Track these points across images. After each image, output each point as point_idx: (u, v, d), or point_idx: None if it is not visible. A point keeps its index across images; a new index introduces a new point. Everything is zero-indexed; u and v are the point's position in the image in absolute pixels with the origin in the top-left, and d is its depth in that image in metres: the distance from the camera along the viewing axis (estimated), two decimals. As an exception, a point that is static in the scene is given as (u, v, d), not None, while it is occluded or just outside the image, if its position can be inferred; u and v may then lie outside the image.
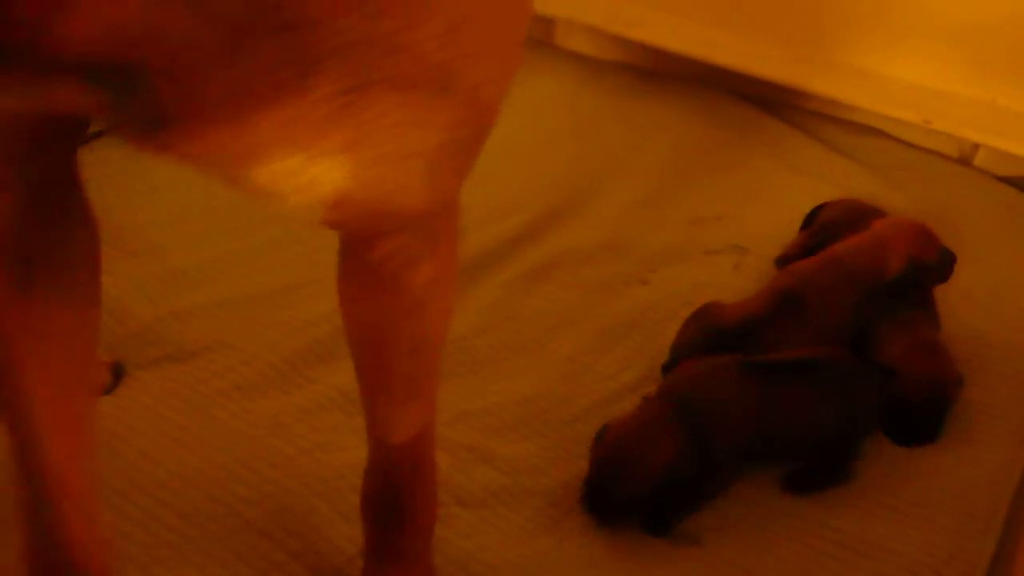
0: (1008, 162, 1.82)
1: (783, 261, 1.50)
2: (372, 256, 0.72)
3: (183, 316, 1.35)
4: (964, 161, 1.88)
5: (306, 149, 0.53)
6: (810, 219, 1.59)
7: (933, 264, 1.39)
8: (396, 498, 0.92)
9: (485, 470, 1.19)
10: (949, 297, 1.42)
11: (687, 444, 1.11)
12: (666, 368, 1.33)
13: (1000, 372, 1.39)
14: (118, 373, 1.24)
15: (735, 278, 1.54)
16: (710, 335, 1.31)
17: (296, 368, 1.30)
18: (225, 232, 1.52)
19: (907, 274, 1.36)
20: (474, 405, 1.28)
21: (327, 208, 0.58)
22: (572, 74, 2.12)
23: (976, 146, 1.85)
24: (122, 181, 1.53)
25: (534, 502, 1.16)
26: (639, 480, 1.11)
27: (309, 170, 0.54)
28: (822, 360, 1.23)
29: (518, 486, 1.18)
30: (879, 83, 1.92)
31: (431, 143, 0.58)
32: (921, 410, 1.27)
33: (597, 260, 1.57)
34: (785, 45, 2.01)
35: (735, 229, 1.66)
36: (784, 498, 1.20)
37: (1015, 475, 1.26)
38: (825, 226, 1.52)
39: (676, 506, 1.14)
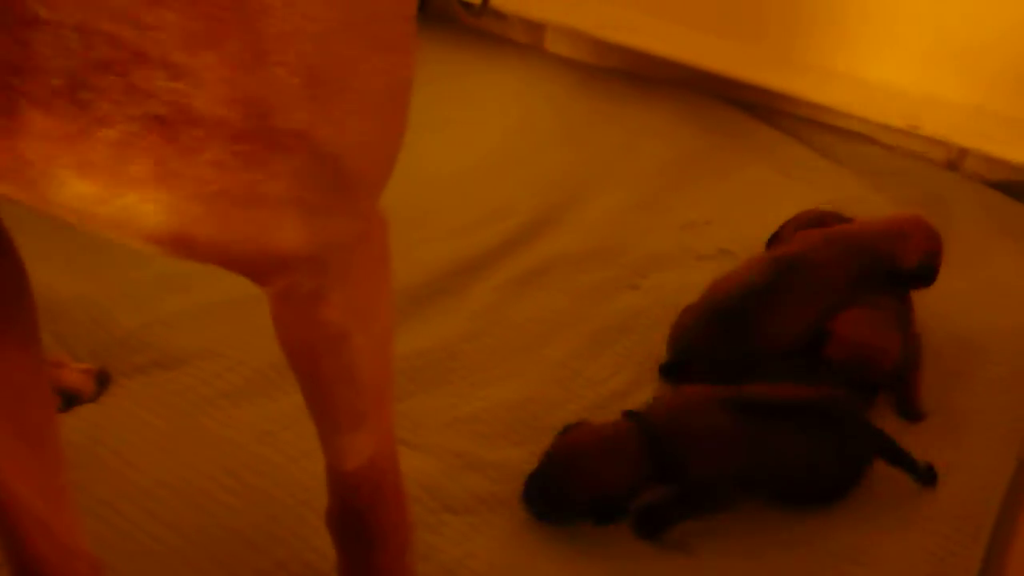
0: (995, 167, 1.82)
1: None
2: (271, 291, 0.68)
3: (169, 322, 1.34)
4: (952, 166, 1.88)
5: (104, 175, 0.50)
6: (773, 239, 1.56)
7: (936, 266, 1.39)
8: (361, 522, 0.90)
9: (475, 476, 1.18)
10: (937, 301, 1.42)
11: (643, 469, 1.11)
12: (664, 370, 1.33)
13: (988, 377, 1.39)
14: (103, 380, 1.23)
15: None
16: (710, 319, 1.32)
17: (283, 374, 1.28)
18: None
19: (922, 268, 1.37)
20: (463, 411, 1.27)
21: (161, 244, 0.55)
22: (562, 79, 2.12)
23: (964, 151, 1.86)
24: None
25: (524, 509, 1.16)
26: (579, 488, 1.11)
27: (116, 200, 0.51)
28: (813, 403, 1.20)
29: (508, 492, 1.17)
30: (867, 89, 1.92)
31: (277, 190, 0.55)
32: (841, 372, 1.27)
33: (587, 265, 1.57)
34: (774, 50, 2.01)
35: (725, 234, 1.66)
36: (774, 505, 1.20)
37: (1004, 480, 1.26)
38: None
39: (667, 516, 1.14)
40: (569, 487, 1.11)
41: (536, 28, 2.26)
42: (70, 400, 1.20)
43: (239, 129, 0.51)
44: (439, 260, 1.53)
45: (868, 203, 1.76)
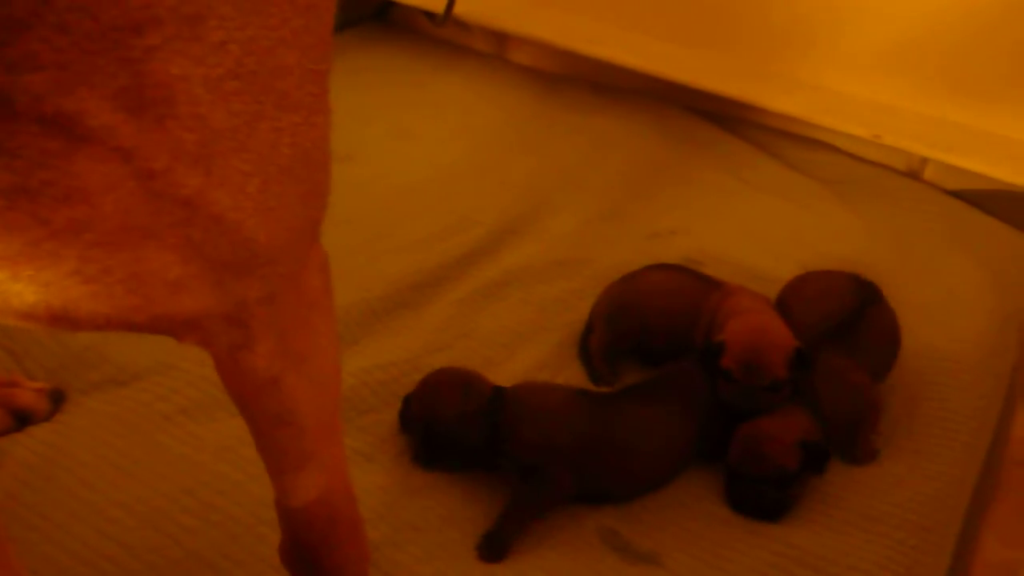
0: (956, 176, 1.84)
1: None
2: (188, 342, 0.63)
3: (126, 338, 1.31)
4: (913, 175, 1.90)
5: None
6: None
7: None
8: (314, 558, 0.87)
9: (439, 496, 1.16)
10: (899, 311, 1.42)
11: (477, 418, 1.16)
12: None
13: (952, 384, 1.39)
14: (57, 399, 1.20)
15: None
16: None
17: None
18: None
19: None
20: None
21: (37, 322, 0.51)
22: (526, 89, 2.12)
23: (925, 160, 1.88)
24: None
25: (490, 526, 1.14)
26: (417, 409, 1.21)
27: None
28: (655, 379, 1.25)
29: (474, 511, 1.15)
30: (830, 98, 1.94)
31: (168, 262, 0.50)
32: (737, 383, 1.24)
33: (552, 276, 1.56)
34: (738, 61, 2.02)
35: (690, 244, 1.66)
36: (744, 521, 1.19)
37: (968, 487, 1.26)
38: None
39: (505, 533, 1.12)
40: (432, 405, 1.19)
41: (499, 38, 2.26)
42: (23, 420, 1.17)
43: (122, 200, 0.45)
44: (402, 272, 1.51)
45: (831, 213, 1.77)
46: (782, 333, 1.26)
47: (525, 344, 1.42)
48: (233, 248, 0.53)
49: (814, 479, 1.21)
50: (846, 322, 1.31)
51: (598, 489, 1.17)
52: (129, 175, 0.45)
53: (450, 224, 1.65)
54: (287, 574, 0.97)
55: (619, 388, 1.26)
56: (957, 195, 1.84)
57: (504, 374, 1.35)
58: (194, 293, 0.54)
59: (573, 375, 1.37)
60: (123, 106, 0.43)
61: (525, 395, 1.19)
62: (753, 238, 1.69)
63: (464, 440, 1.17)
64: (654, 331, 1.37)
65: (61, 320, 0.51)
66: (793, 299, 1.38)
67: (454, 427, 1.17)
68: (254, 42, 0.48)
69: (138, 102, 0.44)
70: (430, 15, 2.24)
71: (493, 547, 1.10)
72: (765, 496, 1.18)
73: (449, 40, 2.31)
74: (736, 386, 1.22)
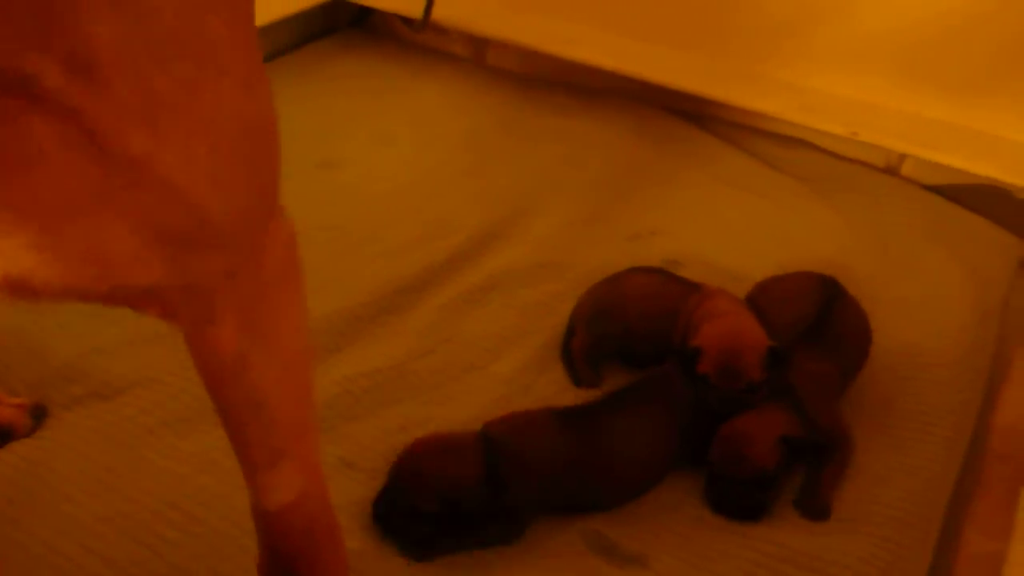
0: (934, 171, 1.85)
1: None
2: (151, 315, 0.64)
3: (108, 351, 1.31)
4: (891, 171, 1.91)
5: None
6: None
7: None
8: (293, 568, 0.86)
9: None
10: (877, 306, 1.44)
11: (477, 478, 1.09)
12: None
13: (931, 380, 1.40)
14: (38, 415, 1.19)
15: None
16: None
17: (228, 401, 1.26)
18: (151, 262, 1.48)
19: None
20: (412, 433, 1.25)
21: None
22: (506, 93, 2.12)
23: (902, 156, 1.89)
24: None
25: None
26: (424, 489, 1.09)
27: None
28: (633, 387, 1.24)
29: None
30: (807, 96, 1.95)
31: (123, 230, 0.51)
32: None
33: (534, 279, 1.56)
34: (713, 59, 2.03)
35: (670, 244, 1.66)
36: (728, 523, 1.19)
37: (949, 482, 1.27)
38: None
39: (452, 535, 1.11)
40: (415, 490, 1.09)
41: (478, 42, 2.26)
42: (5, 436, 1.16)
43: (74, 162, 0.47)
44: (384, 278, 1.51)
45: (810, 210, 1.78)
46: (755, 334, 1.27)
47: (508, 348, 1.43)
48: (185, 216, 0.54)
49: (796, 477, 1.22)
50: (815, 323, 1.31)
51: (585, 501, 1.18)
52: (81, 135, 0.47)
53: (432, 229, 1.65)
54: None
55: (599, 398, 1.25)
56: (935, 190, 1.86)
57: (487, 378, 1.36)
58: (149, 264, 0.54)
59: (556, 378, 1.38)
60: (71, 68, 0.45)
61: (510, 438, 1.14)
62: (733, 237, 1.69)
63: (473, 505, 1.10)
64: (636, 334, 1.38)
65: (20, 290, 0.52)
66: (762, 302, 1.39)
67: (468, 495, 1.09)
68: (184, 10, 0.50)
69: (85, 64, 0.45)
70: (408, 21, 2.24)
71: (425, 548, 1.09)
72: (745, 497, 1.18)
73: (428, 45, 2.31)
74: (714, 391, 1.23)
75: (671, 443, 1.22)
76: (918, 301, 1.57)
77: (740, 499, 1.18)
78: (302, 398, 0.78)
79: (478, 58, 2.29)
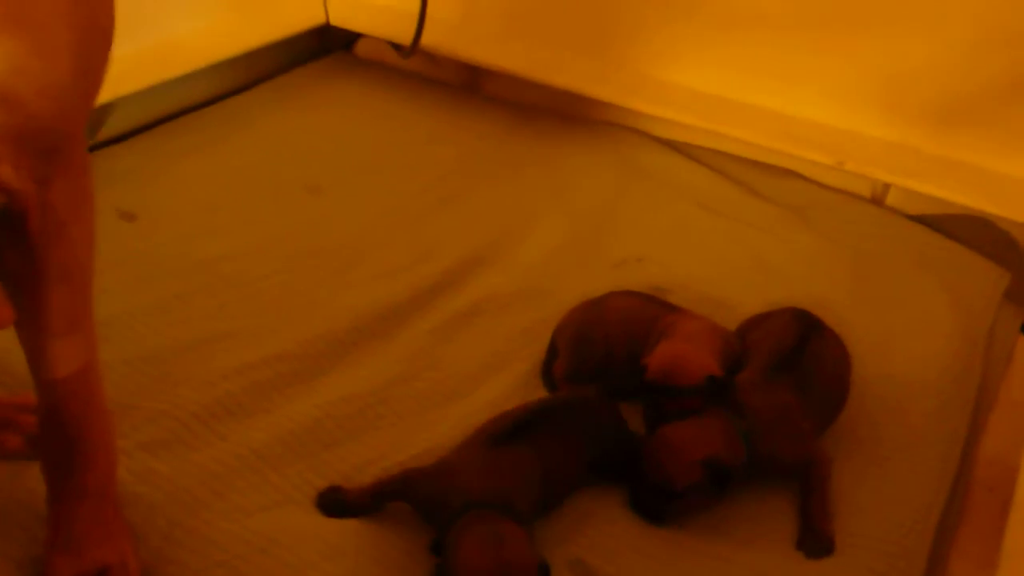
0: (919, 201, 1.86)
1: None
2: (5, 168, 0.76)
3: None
4: (876, 201, 1.92)
5: None
6: None
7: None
8: (71, 436, 0.95)
9: (403, 530, 1.14)
10: (863, 336, 1.44)
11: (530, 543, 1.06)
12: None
13: (917, 409, 1.40)
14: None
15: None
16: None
17: (207, 424, 1.25)
18: (131, 285, 1.47)
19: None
20: (394, 459, 1.24)
21: None
22: (493, 120, 2.13)
23: (887, 186, 1.90)
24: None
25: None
26: None
27: None
28: (540, 410, 1.21)
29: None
30: (793, 125, 1.95)
31: None
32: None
33: (519, 306, 1.56)
34: (700, 89, 2.04)
35: (656, 271, 1.66)
36: (711, 539, 1.19)
37: (936, 512, 1.26)
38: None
39: None
40: None
41: (468, 70, 2.26)
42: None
43: None
44: (368, 304, 1.50)
45: (794, 239, 1.78)
46: (699, 361, 1.27)
47: (492, 374, 1.41)
48: (12, 114, 0.69)
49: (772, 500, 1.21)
50: (787, 355, 1.30)
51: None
52: None
53: (417, 255, 1.65)
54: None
55: (522, 418, 1.20)
56: (920, 220, 1.86)
57: (471, 405, 1.35)
58: None
59: (540, 405, 1.36)
60: None
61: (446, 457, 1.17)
62: (718, 264, 1.69)
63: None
64: (616, 356, 1.37)
65: None
66: (748, 337, 1.38)
67: None
68: None
69: None
70: (398, 47, 2.24)
71: None
72: (650, 499, 1.20)
73: (418, 72, 2.31)
74: (655, 409, 1.27)
75: (583, 457, 1.21)
76: (904, 331, 1.56)
77: (645, 499, 1.20)
78: (90, 277, 0.93)
79: (469, 85, 2.29)
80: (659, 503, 1.20)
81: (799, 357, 1.30)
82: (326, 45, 2.37)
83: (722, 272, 1.67)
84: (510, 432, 1.17)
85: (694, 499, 1.20)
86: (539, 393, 1.38)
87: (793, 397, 1.26)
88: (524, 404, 1.25)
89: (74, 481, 0.98)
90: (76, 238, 0.88)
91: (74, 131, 0.84)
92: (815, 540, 1.19)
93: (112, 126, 1.87)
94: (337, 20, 2.28)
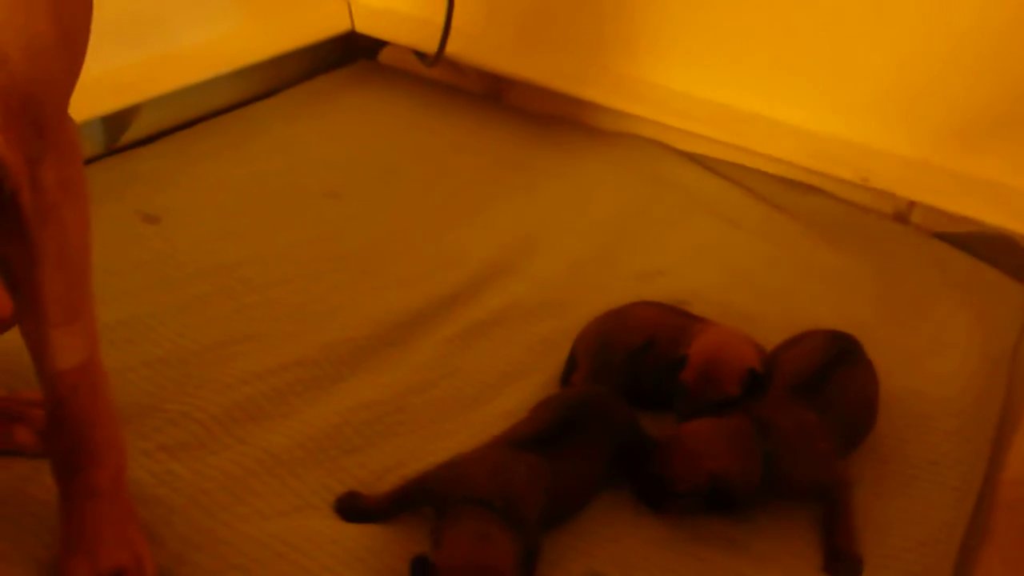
0: (943, 219, 1.85)
1: None
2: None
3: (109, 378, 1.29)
4: (900, 218, 1.91)
5: None
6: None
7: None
8: (77, 433, 0.95)
9: (421, 539, 1.14)
10: (886, 354, 1.42)
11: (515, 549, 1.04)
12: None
13: (940, 428, 1.38)
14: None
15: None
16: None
17: (227, 428, 1.25)
18: (153, 287, 1.47)
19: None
20: (412, 467, 1.24)
21: None
22: (517, 130, 2.13)
23: (912, 204, 1.89)
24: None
25: None
26: None
27: None
28: (575, 410, 1.22)
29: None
30: (818, 141, 1.95)
31: None
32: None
33: (540, 316, 1.55)
34: (723, 103, 2.04)
35: (678, 284, 1.65)
36: (732, 554, 1.17)
37: (959, 532, 1.25)
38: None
39: None
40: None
41: (493, 80, 2.27)
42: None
43: None
44: (387, 311, 1.50)
45: (817, 255, 1.78)
46: (742, 353, 1.27)
47: (511, 384, 1.41)
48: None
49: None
50: (815, 374, 1.29)
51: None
52: None
53: (437, 264, 1.65)
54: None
55: (547, 423, 1.20)
56: (944, 238, 1.85)
57: (490, 414, 1.34)
58: None
59: (559, 415, 1.36)
60: None
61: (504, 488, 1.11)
62: (740, 280, 1.68)
63: None
64: (638, 365, 1.36)
65: None
66: (781, 356, 1.37)
67: None
68: None
69: None
70: (422, 55, 2.25)
71: None
72: (647, 485, 1.20)
73: (441, 81, 2.32)
74: (689, 400, 1.25)
75: (604, 464, 1.21)
76: (927, 349, 1.55)
77: (645, 486, 1.21)
78: (88, 262, 0.92)
79: (493, 95, 2.29)
80: (657, 494, 1.20)
81: (824, 379, 1.28)
82: (351, 52, 2.38)
83: (744, 287, 1.67)
84: (533, 440, 1.17)
85: (691, 503, 1.19)
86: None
87: (815, 417, 1.24)
88: (549, 405, 1.25)
89: (83, 479, 0.97)
90: (69, 222, 0.87)
91: (60, 104, 0.83)
92: (842, 562, 1.17)
93: (137, 129, 1.88)
94: (362, 27, 2.29)
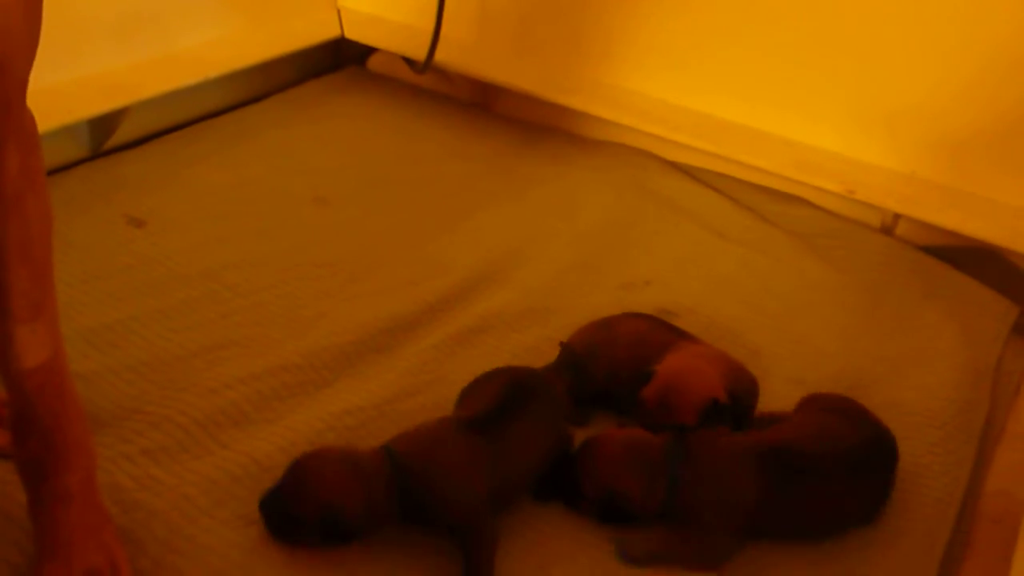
0: (928, 232, 1.86)
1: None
2: None
3: (91, 379, 1.28)
4: (886, 231, 1.92)
5: None
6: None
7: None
8: (45, 435, 0.94)
9: (406, 546, 1.14)
10: (870, 366, 1.43)
11: (380, 495, 1.08)
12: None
13: (923, 440, 1.39)
14: None
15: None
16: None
17: (211, 433, 1.24)
18: (138, 291, 1.47)
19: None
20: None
21: None
22: (504, 139, 2.13)
23: (897, 216, 1.90)
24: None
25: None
26: (306, 504, 1.06)
27: None
28: (517, 395, 1.22)
29: (439, 559, 1.13)
30: (804, 153, 1.96)
31: None
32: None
33: (525, 323, 1.55)
34: (713, 115, 2.05)
35: (664, 294, 1.65)
36: None
37: (941, 544, 1.25)
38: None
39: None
40: (297, 502, 1.07)
41: (481, 88, 2.27)
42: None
43: None
44: (374, 317, 1.50)
45: (803, 266, 1.78)
46: (707, 380, 1.26)
47: (497, 391, 1.41)
48: None
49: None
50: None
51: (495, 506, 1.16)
52: None
53: (424, 270, 1.65)
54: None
55: (495, 404, 1.21)
56: (929, 251, 1.86)
57: (475, 421, 1.34)
58: None
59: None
60: None
61: (417, 453, 1.13)
62: (726, 290, 1.69)
63: (373, 525, 1.10)
64: (620, 377, 1.36)
65: None
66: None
67: (362, 517, 1.08)
68: None
69: None
70: (411, 62, 2.25)
71: None
72: (565, 487, 1.21)
73: (430, 89, 2.32)
74: (647, 417, 1.25)
75: (552, 442, 1.23)
76: (910, 360, 1.56)
77: (560, 482, 1.21)
78: (50, 257, 0.92)
79: (481, 103, 2.30)
80: (570, 495, 1.21)
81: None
82: (340, 59, 2.38)
83: (730, 297, 1.67)
84: (482, 420, 1.18)
85: (592, 510, 1.19)
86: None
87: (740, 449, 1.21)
88: (497, 378, 1.26)
89: (53, 484, 0.96)
90: (31, 214, 0.87)
91: (22, 81, 0.83)
92: None
93: (124, 132, 1.88)
94: (352, 34, 2.29)
